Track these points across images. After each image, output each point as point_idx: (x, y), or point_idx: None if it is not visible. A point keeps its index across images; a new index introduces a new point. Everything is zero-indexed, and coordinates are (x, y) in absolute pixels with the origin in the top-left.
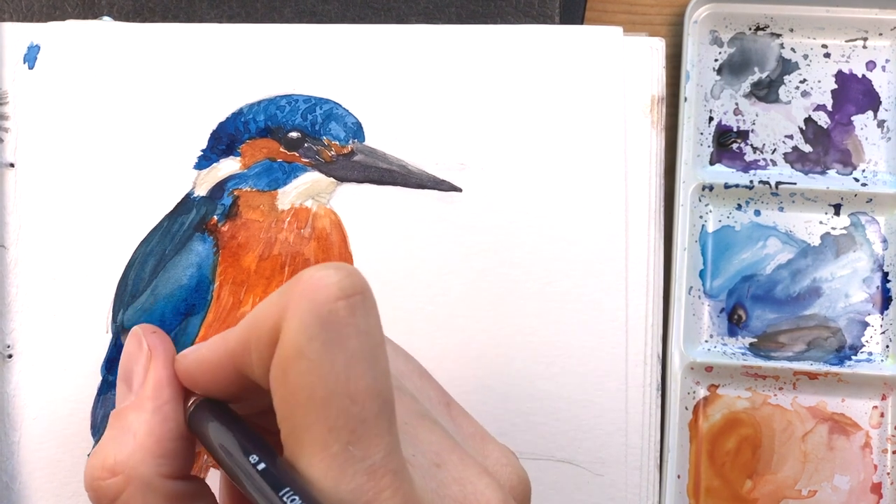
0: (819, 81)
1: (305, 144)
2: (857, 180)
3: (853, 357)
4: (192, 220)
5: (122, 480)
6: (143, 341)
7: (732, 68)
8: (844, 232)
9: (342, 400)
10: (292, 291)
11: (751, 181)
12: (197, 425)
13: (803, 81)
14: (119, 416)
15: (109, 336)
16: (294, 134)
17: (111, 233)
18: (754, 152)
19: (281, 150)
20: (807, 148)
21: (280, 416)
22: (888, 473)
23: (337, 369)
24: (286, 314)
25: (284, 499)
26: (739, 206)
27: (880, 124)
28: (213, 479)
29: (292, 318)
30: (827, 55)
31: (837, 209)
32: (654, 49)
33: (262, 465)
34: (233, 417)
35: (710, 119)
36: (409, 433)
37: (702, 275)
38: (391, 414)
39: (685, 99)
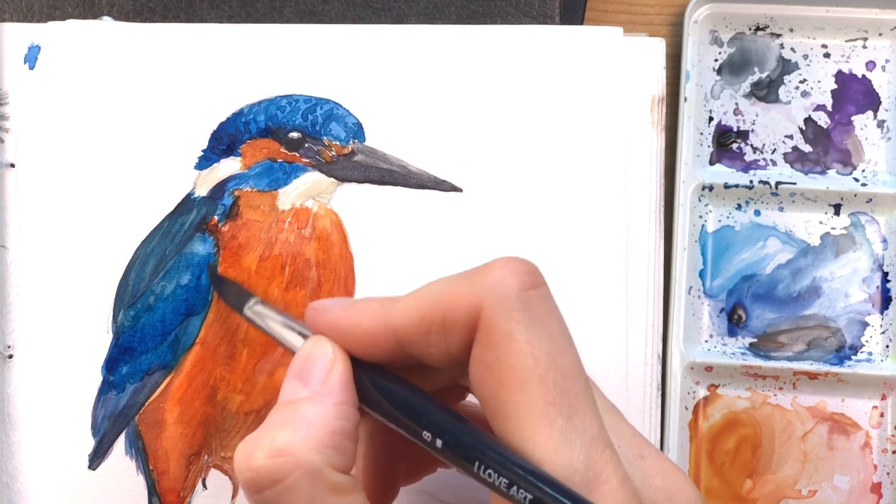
0: (819, 81)
1: (306, 145)
2: (856, 180)
3: (853, 357)
4: (192, 220)
5: (291, 462)
6: (329, 346)
7: (732, 68)
8: (844, 232)
9: (555, 376)
10: (485, 281)
11: (751, 181)
12: (404, 409)
13: (803, 81)
14: (290, 407)
15: (109, 336)
16: (294, 134)
17: (111, 233)
18: (754, 152)
19: (281, 150)
20: (807, 148)
21: (487, 396)
22: (888, 473)
23: (545, 348)
24: (485, 301)
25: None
26: (739, 206)
27: (880, 124)
28: (218, 481)
29: (494, 306)
30: (827, 55)
31: (837, 209)
32: (654, 49)
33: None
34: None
35: (710, 119)
36: (610, 423)
37: (702, 275)
38: (592, 392)
39: (685, 99)
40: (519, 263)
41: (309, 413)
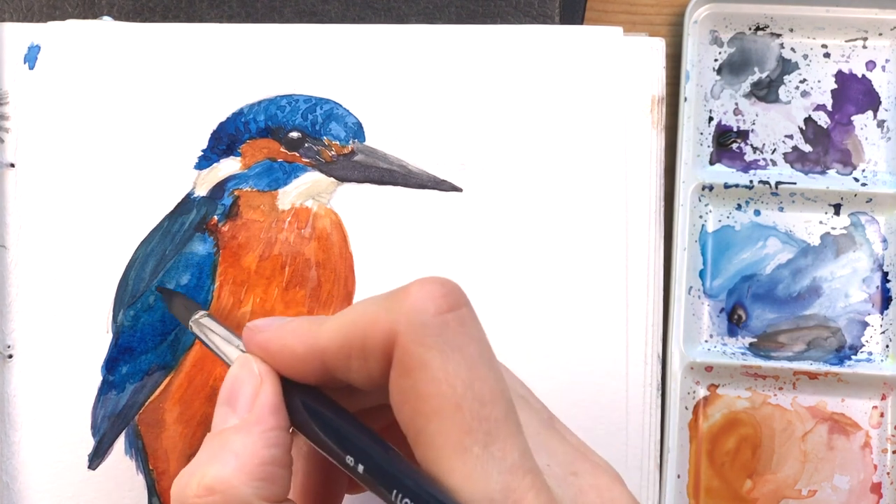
0: (819, 81)
1: (306, 144)
2: (856, 180)
3: (853, 357)
4: (192, 220)
5: (220, 500)
6: (255, 366)
7: (732, 68)
8: (844, 232)
9: (472, 403)
10: (401, 306)
11: (751, 181)
12: (330, 433)
13: (803, 81)
14: (219, 438)
15: (109, 336)
16: (294, 134)
17: (111, 233)
18: (754, 152)
19: (281, 150)
20: (807, 148)
21: (406, 423)
22: (888, 473)
23: (462, 375)
24: (399, 328)
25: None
26: (739, 206)
27: (880, 124)
28: None
29: (408, 332)
30: (827, 55)
31: (837, 209)
32: (654, 49)
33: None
34: (369, 432)
35: (710, 119)
36: (541, 443)
37: (702, 275)
38: (516, 416)
39: (685, 99)
40: (436, 285)
41: (237, 445)
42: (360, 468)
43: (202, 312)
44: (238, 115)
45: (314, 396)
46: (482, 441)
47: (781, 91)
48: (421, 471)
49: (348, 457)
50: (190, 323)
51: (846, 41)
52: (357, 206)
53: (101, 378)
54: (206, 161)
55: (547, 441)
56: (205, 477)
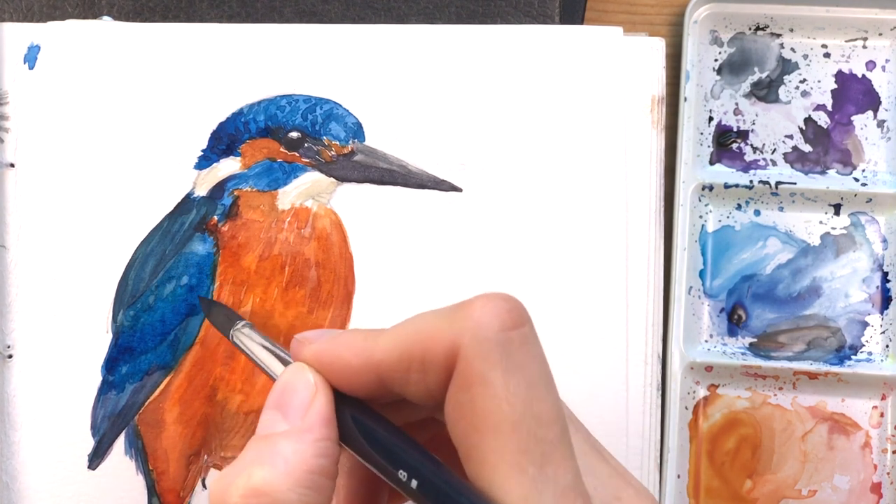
0: (819, 81)
1: (306, 144)
2: (856, 180)
3: (853, 357)
4: (192, 220)
5: (266, 503)
6: (310, 375)
7: (732, 68)
8: (844, 232)
9: (530, 423)
10: (465, 320)
11: (751, 181)
12: (381, 450)
13: (803, 81)
14: (267, 442)
15: (109, 336)
16: (294, 134)
17: (111, 233)
18: (754, 152)
19: (281, 150)
20: (807, 148)
21: (460, 438)
22: (888, 473)
23: (522, 393)
24: (462, 342)
25: None
26: (739, 206)
27: (880, 124)
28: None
29: (471, 347)
30: (827, 55)
31: (837, 209)
32: (654, 49)
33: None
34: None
35: (710, 119)
36: (589, 465)
37: (702, 275)
38: (569, 438)
39: (685, 99)
40: (501, 301)
41: (287, 450)
42: (414, 483)
43: (243, 323)
44: (238, 115)
45: (362, 410)
46: (538, 462)
47: (781, 91)
48: (474, 488)
49: (401, 472)
50: (231, 333)
51: (846, 41)
52: (357, 206)
53: (101, 378)
54: (205, 161)
55: (593, 464)
56: (251, 478)
